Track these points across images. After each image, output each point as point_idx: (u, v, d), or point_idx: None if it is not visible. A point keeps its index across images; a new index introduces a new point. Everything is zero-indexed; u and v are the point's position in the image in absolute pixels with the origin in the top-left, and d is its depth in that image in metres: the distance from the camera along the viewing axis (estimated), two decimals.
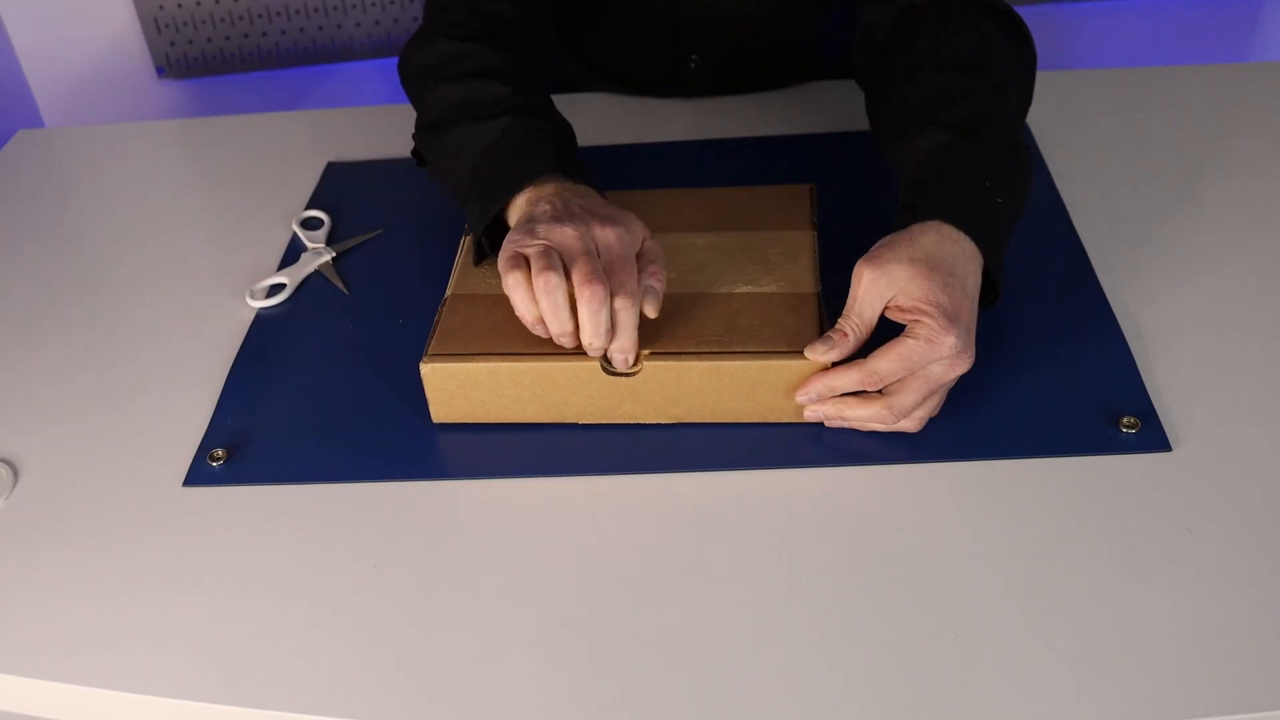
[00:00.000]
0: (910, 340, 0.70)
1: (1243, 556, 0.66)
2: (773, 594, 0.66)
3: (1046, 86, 1.09)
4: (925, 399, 0.72)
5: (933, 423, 0.75)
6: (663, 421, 0.77)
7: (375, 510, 0.73)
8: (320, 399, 0.82)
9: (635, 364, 0.74)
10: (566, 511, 0.72)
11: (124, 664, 0.66)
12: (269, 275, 0.94)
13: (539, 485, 0.74)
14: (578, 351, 0.74)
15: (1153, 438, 0.73)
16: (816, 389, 0.73)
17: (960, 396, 0.76)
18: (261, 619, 0.67)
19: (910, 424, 0.74)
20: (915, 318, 0.70)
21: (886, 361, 0.70)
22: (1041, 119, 1.04)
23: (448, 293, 0.81)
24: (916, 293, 0.70)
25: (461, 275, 0.82)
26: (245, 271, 0.95)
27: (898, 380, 0.71)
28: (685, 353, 0.74)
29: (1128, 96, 1.08)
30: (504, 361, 0.74)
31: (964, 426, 0.75)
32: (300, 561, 0.71)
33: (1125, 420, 0.74)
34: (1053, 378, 0.78)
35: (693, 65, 1.12)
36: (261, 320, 0.90)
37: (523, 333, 0.74)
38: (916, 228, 0.73)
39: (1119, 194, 0.95)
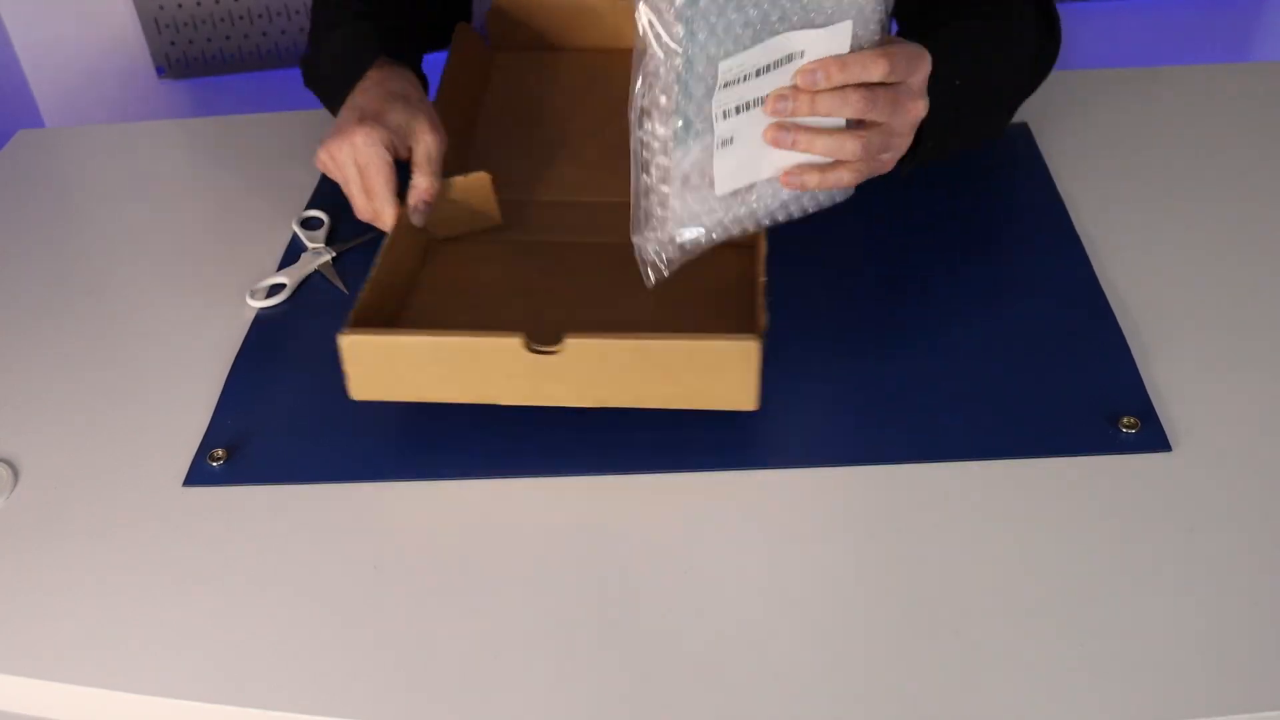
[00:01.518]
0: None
1: (1243, 556, 0.66)
2: (773, 594, 0.66)
3: (1047, 86, 1.09)
4: (886, 121, 0.72)
5: (933, 422, 0.75)
6: (586, 405, 0.75)
7: (375, 510, 0.73)
8: (320, 399, 0.82)
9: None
10: (567, 512, 0.72)
11: (124, 664, 0.66)
12: (269, 275, 0.94)
13: (539, 485, 0.74)
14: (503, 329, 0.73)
15: (1153, 438, 0.73)
16: (813, 71, 0.70)
17: (960, 396, 0.77)
18: (261, 619, 0.67)
19: (859, 148, 0.72)
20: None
21: (861, 52, 0.71)
22: (1041, 119, 1.04)
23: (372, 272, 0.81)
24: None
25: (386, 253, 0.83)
26: (245, 271, 0.95)
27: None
28: (609, 333, 0.72)
29: (1128, 96, 1.08)
30: (425, 336, 0.74)
31: (964, 426, 0.75)
32: (300, 561, 0.71)
33: (1125, 420, 0.74)
34: (1053, 378, 0.78)
35: None
36: (261, 320, 0.90)
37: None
38: None
39: (1119, 194, 0.95)
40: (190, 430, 0.80)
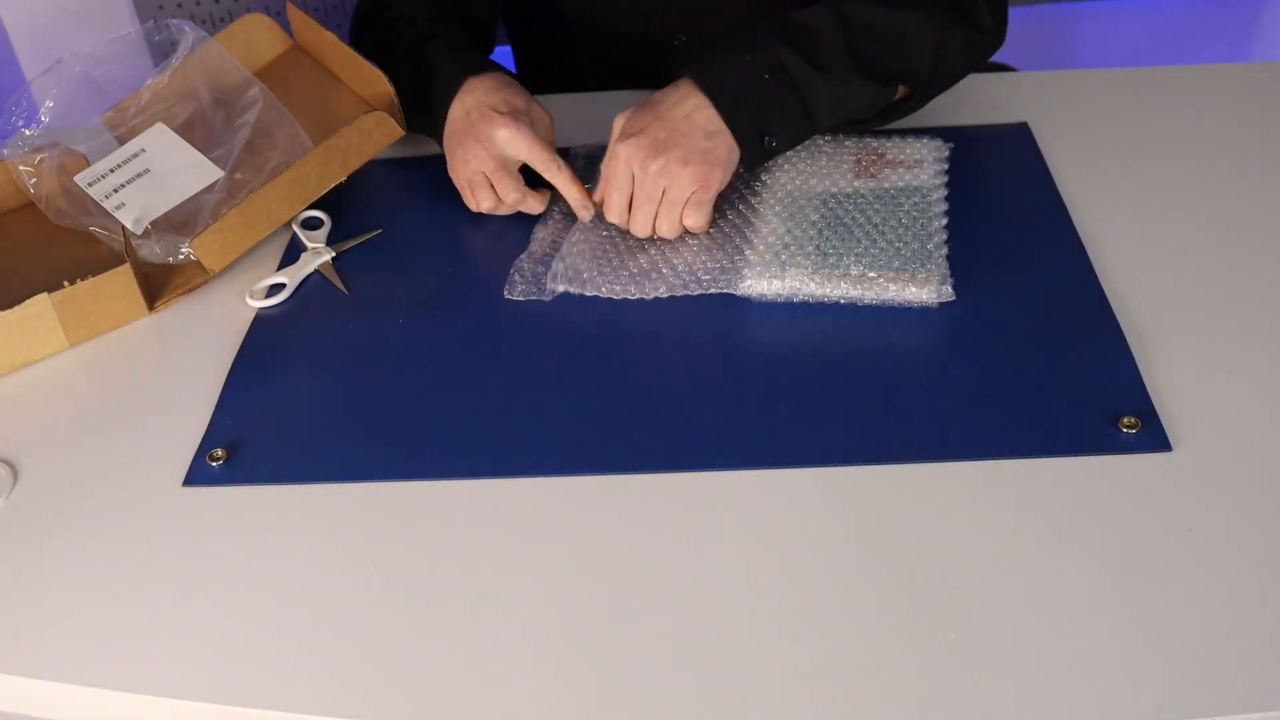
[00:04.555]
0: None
1: (1243, 556, 0.66)
2: (773, 594, 0.66)
3: (1046, 86, 1.09)
4: (648, 206, 0.88)
5: (934, 422, 0.75)
6: None
7: (375, 510, 0.73)
8: (320, 399, 0.82)
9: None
10: (566, 511, 0.72)
11: (124, 664, 0.66)
12: (269, 275, 0.94)
13: (539, 485, 0.74)
14: None
15: (1153, 438, 0.73)
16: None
17: (960, 396, 0.77)
18: (261, 619, 0.67)
19: (639, 222, 0.90)
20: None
21: (610, 194, 0.90)
22: (1041, 119, 1.04)
23: None
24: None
25: None
26: (245, 271, 0.95)
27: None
28: None
29: (1128, 96, 1.08)
30: None
31: (964, 426, 0.75)
32: (300, 561, 0.71)
33: (1125, 420, 0.74)
34: (1053, 378, 0.78)
35: (678, 45, 1.10)
36: (261, 320, 0.90)
37: None
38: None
39: (1119, 194, 0.95)
40: (190, 430, 0.80)
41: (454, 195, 0.97)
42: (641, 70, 1.11)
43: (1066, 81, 1.10)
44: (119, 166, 0.97)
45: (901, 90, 0.97)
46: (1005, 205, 0.94)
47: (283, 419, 0.81)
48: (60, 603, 0.70)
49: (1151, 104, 1.07)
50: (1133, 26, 1.81)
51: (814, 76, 0.90)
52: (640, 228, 0.90)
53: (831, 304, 0.84)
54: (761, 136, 0.90)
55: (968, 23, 0.96)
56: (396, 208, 1.02)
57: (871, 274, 0.84)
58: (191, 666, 0.65)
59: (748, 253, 0.88)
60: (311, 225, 0.99)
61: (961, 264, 0.87)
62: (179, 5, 1.81)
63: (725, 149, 0.88)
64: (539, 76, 1.21)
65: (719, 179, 0.88)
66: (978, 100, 1.06)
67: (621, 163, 0.88)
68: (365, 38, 1.08)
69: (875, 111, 0.96)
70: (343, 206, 1.01)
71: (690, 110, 0.88)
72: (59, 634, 0.68)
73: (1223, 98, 1.07)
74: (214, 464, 0.77)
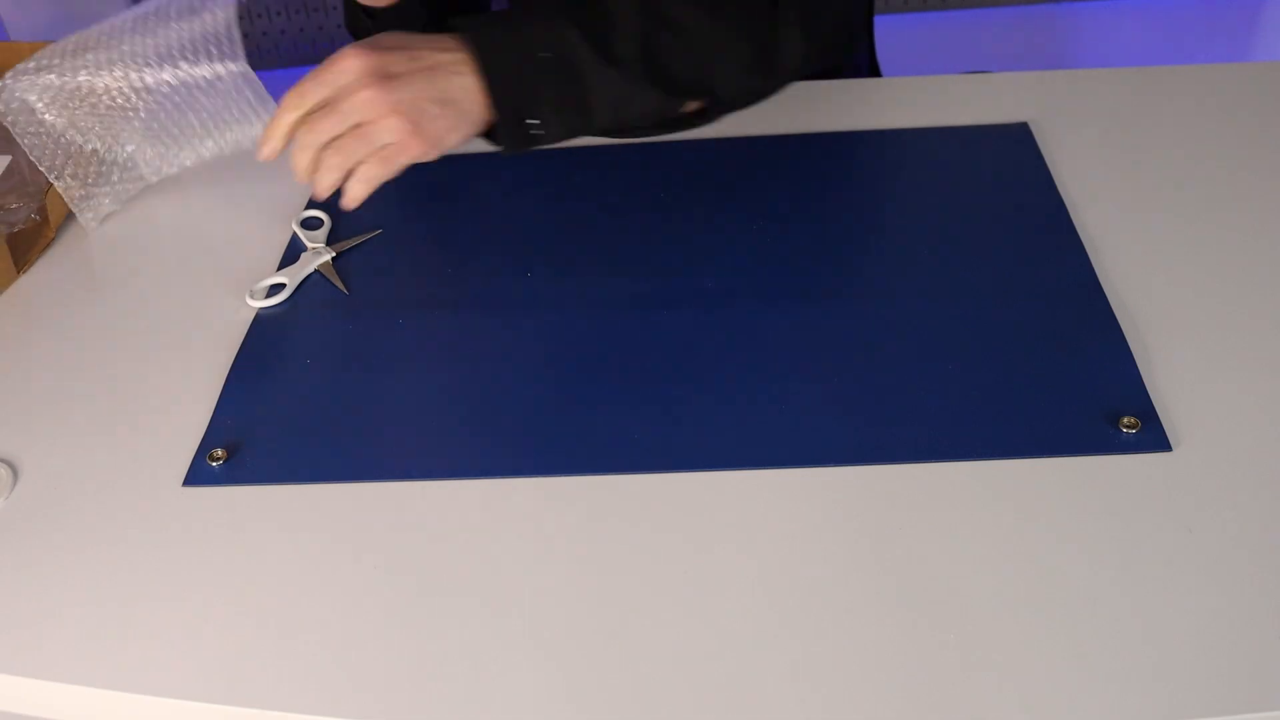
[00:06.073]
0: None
1: (1243, 556, 0.66)
2: (772, 594, 0.66)
3: (1047, 86, 1.09)
4: (336, 119, 0.78)
5: (934, 422, 0.75)
6: None
7: (375, 510, 0.73)
8: (320, 399, 0.82)
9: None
10: (566, 511, 0.72)
11: (124, 664, 0.66)
12: (269, 275, 0.94)
13: (539, 485, 0.74)
14: None
15: (1153, 438, 0.73)
16: (272, 132, 0.81)
17: (960, 396, 0.77)
18: (261, 619, 0.67)
19: (316, 130, 0.79)
20: None
21: (305, 80, 0.78)
22: (1041, 119, 1.04)
23: None
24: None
25: None
26: (245, 271, 0.95)
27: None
28: None
29: (1128, 96, 1.08)
30: None
31: (964, 426, 0.75)
32: (300, 561, 0.71)
33: (1125, 420, 0.74)
34: (1053, 378, 0.78)
35: None
36: (261, 320, 0.90)
37: None
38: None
39: (1119, 194, 0.95)
40: (190, 430, 0.80)
41: (454, 195, 0.97)
42: None
43: (1066, 81, 1.10)
44: None
45: (691, 104, 0.89)
46: (1005, 205, 0.94)
47: (283, 419, 0.81)
48: (60, 603, 0.70)
49: (1151, 104, 1.07)
50: (1133, 26, 1.82)
51: (597, 68, 0.80)
52: (309, 139, 0.79)
53: (830, 306, 0.84)
54: (523, 118, 0.80)
55: (776, 54, 0.89)
56: (396, 208, 1.02)
57: None
58: (191, 666, 0.65)
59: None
60: (311, 225, 0.99)
61: (962, 264, 0.87)
62: None
63: (454, 123, 0.79)
64: None
65: (418, 153, 0.78)
66: (978, 100, 1.06)
67: (341, 65, 0.77)
68: None
69: (657, 122, 0.88)
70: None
71: (446, 64, 0.79)
72: (59, 634, 0.68)
73: (1223, 98, 1.07)
74: (214, 464, 0.77)
